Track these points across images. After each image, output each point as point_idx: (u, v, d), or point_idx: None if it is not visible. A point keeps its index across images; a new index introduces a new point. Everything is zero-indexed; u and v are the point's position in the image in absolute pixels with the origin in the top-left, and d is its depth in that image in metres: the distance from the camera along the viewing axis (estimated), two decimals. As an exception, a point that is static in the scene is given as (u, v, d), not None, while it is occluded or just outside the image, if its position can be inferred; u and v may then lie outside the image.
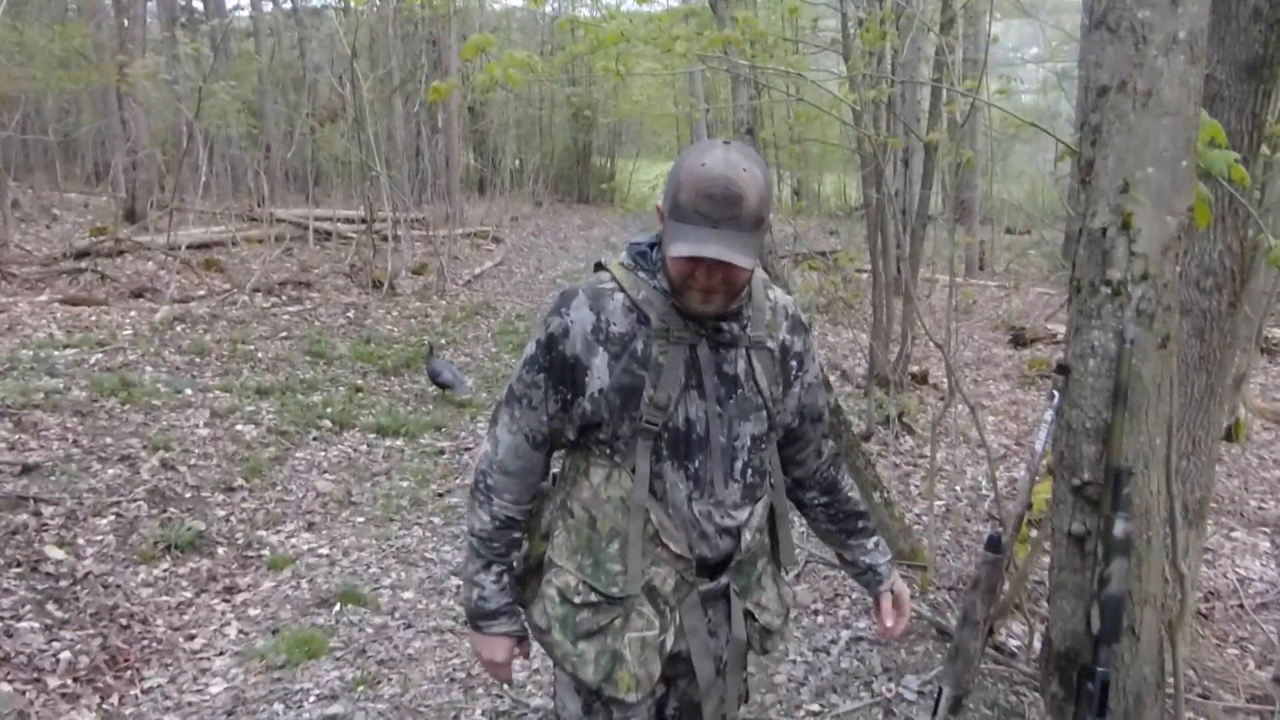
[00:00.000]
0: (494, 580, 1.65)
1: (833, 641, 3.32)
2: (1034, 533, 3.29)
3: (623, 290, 1.53)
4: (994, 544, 1.95)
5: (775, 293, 1.64)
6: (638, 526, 1.53)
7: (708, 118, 16.07)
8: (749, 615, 1.65)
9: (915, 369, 7.32)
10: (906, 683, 3.03)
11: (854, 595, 3.66)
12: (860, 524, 1.80)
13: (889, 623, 1.79)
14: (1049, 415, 1.89)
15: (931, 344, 7.86)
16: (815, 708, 2.94)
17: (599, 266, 1.61)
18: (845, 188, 20.95)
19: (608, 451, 1.55)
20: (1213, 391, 2.86)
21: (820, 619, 3.50)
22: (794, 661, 3.20)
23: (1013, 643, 3.20)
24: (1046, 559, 3.65)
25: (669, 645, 1.58)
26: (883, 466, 5.10)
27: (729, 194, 1.36)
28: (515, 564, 1.70)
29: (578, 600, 1.57)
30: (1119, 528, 1.69)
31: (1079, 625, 1.85)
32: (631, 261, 1.56)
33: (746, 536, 1.59)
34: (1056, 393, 1.83)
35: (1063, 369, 1.84)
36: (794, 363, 1.63)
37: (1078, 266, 1.86)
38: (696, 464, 1.53)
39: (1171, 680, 2.21)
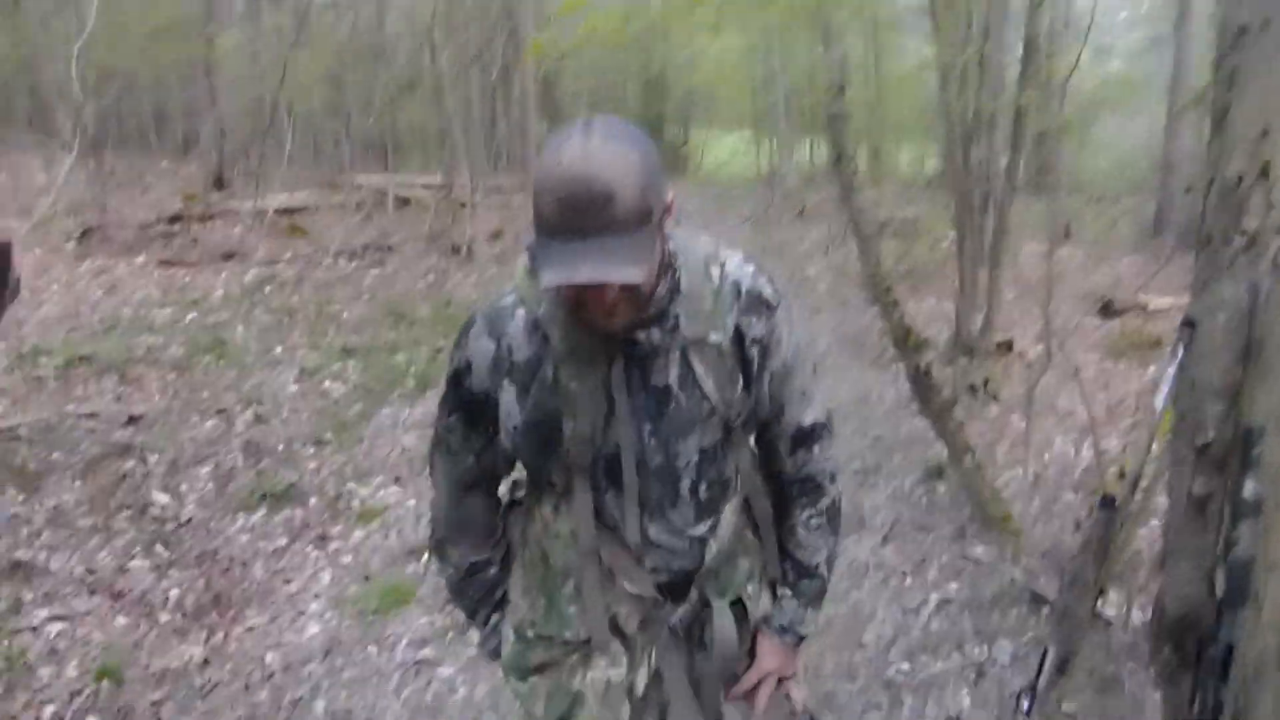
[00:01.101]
0: (481, 624, 1.55)
1: (922, 603, 3.29)
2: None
3: (524, 305, 1.29)
4: (1108, 502, 1.89)
5: (726, 267, 1.33)
6: (592, 571, 1.37)
7: (786, 85, 15.84)
8: (740, 607, 1.45)
9: (1000, 337, 7.14)
10: (1000, 647, 2.99)
11: (943, 559, 3.61)
12: (784, 568, 1.50)
13: (740, 670, 1.48)
14: (1170, 371, 1.82)
15: (1015, 313, 7.67)
16: (905, 666, 2.93)
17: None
18: (923, 157, 20.44)
19: (550, 484, 1.38)
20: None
21: (909, 581, 3.46)
22: (883, 621, 3.18)
23: (1109, 611, 3.12)
24: (1142, 529, 3.54)
25: (639, 688, 1.42)
26: (968, 434, 5.00)
27: (593, 194, 1.07)
28: (500, 596, 1.54)
29: (530, 634, 1.45)
30: (1249, 489, 1.62)
31: (1196, 590, 1.78)
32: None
33: (713, 546, 1.39)
34: (1182, 347, 1.76)
35: (1188, 323, 1.77)
36: (755, 350, 1.32)
37: (1207, 216, 1.78)
38: (638, 490, 1.33)
39: (1292, 652, 2.12)
